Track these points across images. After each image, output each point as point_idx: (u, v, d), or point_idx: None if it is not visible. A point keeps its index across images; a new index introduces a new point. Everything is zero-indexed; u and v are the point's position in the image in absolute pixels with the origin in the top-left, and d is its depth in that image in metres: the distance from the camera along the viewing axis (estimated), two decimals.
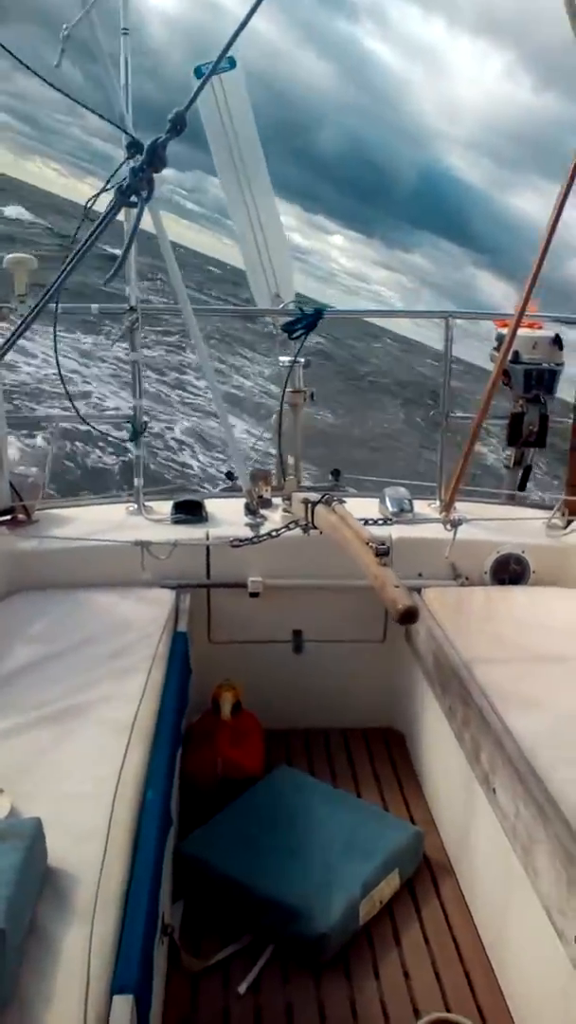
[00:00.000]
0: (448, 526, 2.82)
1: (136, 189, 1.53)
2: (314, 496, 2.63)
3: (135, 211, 1.64)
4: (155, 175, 1.55)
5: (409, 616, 1.87)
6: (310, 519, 2.63)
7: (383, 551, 2.10)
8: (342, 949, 2.04)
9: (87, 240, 1.62)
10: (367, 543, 2.16)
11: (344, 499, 2.66)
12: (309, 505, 2.63)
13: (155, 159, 1.50)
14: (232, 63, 2.56)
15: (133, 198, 1.55)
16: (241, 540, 2.72)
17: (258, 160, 2.93)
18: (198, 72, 2.59)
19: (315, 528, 2.63)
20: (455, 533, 2.79)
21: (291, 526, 2.75)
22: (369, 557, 2.12)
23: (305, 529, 2.69)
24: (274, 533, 2.73)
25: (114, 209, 1.61)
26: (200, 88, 1.54)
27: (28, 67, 1.70)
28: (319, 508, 2.58)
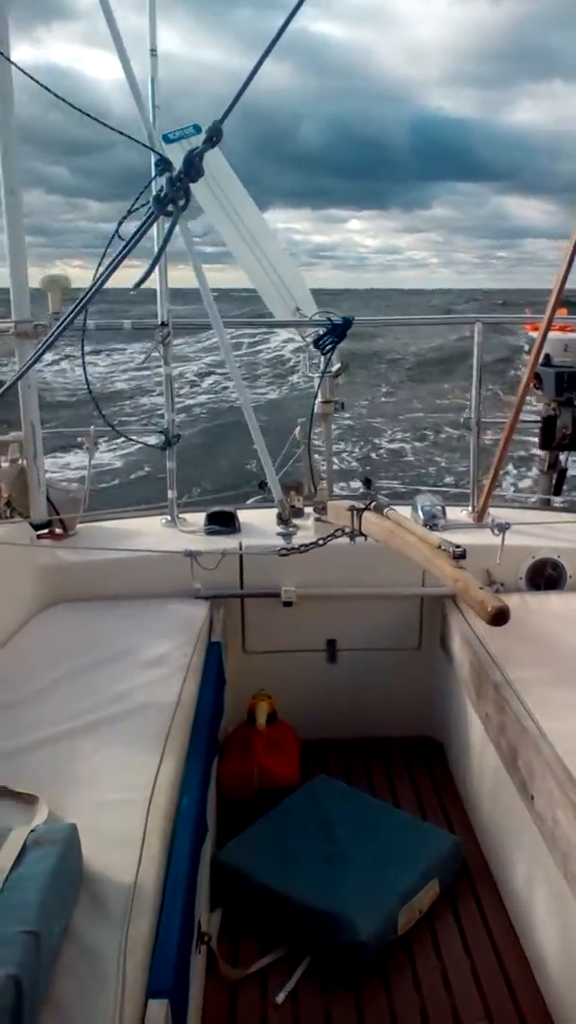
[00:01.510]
0: (495, 531, 2.75)
1: (174, 198, 1.55)
2: (359, 503, 2.60)
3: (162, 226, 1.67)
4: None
5: (501, 616, 1.82)
6: (357, 526, 2.59)
7: (460, 554, 2.06)
8: (381, 959, 2.02)
9: (122, 250, 1.65)
10: (438, 547, 2.13)
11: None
12: (355, 512, 2.58)
13: (192, 169, 1.52)
14: (197, 129, 2.65)
15: (170, 208, 1.57)
16: (288, 549, 2.69)
17: (242, 195, 2.98)
18: (166, 138, 2.69)
19: (362, 535, 2.59)
20: (503, 538, 2.72)
21: (338, 534, 2.72)
22: (443, 561, 2.08)
23: (352, 537, 2.65)
24: (321, 541, 2.71)
25: (151, 218, 1.63)
26: (236, 100, 1.56)
27: (54, 93, 1.74)
28: (368, 515, 2.53)
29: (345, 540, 2.64)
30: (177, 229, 1.72)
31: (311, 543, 2.68)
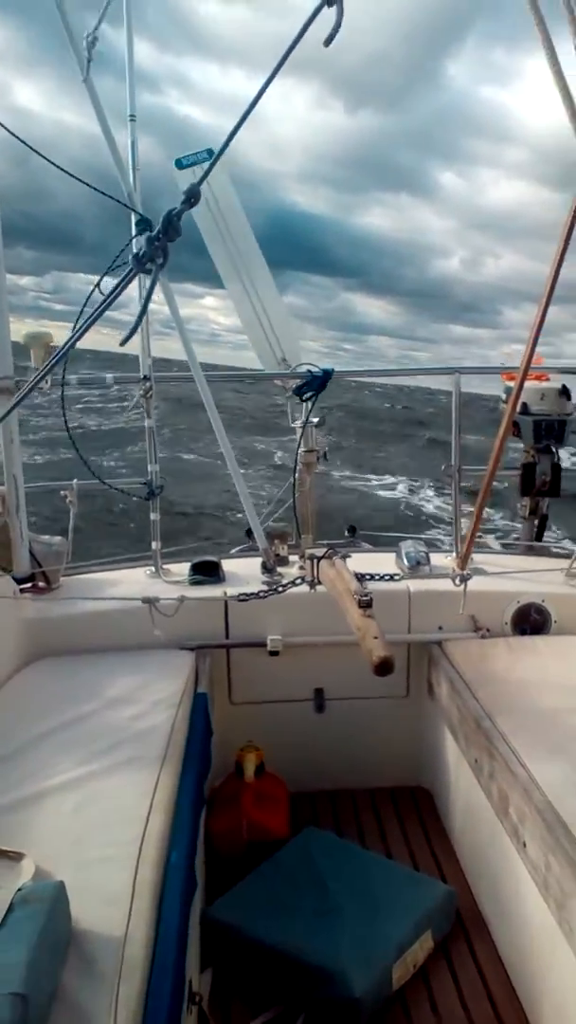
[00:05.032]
0: (458, 580, 2.81)
1: (152, 256, 1.60)
2: (320, 552, 2.66)
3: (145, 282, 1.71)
4: (169, 244, 1.62)
5: (384, 667, 1.91)
6: (315, 574, 2.66)
7: (366, 602, 2.15)
8: (376, 1015, 1.98)
9: (100, 307, 1.68)
10: (352, 594, 2.19)
11: (351, 554, 2.69)
12: (314, 561, 2.66)
13: (170, 229, 1.57)
14: (210, 154, 2.74)
15: (148, 265, 1.62)
16: (248, 594, 2.77)
17: (247, 236, 3.06)
18: (179, 164, 2.77)
19: (319, 583, 2.65)
20: (465, 588, 2.78)
21: (297, 582, 2.79)
22: (354, 608, 2.16)
23: (312, 585, 2.71)
24: (280, 588, 2.76)
25: (129, 276, 1.68)
26: (212, 164, 1.62)
27: (45, 157, 1.80)
28: (322, 563, 2.62)
29: (320, 588, 2.68)
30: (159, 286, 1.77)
31: (271, 589, 2.76)
